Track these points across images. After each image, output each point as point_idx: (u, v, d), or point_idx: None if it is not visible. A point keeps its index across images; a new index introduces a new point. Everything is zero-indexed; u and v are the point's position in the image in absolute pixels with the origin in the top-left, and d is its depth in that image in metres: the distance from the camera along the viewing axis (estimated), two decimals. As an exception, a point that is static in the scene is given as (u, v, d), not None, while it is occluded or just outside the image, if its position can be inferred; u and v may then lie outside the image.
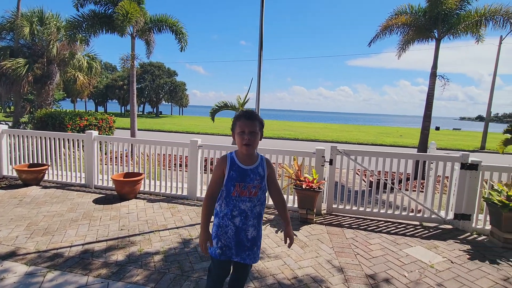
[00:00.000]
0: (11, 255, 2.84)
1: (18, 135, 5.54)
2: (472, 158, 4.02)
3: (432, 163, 4.32)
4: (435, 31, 8.70)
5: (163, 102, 57.62)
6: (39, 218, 3.75)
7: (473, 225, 3.99)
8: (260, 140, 1.85)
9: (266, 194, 1.92)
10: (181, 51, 10.54)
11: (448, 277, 2.82)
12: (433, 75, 8.76)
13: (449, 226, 4.11)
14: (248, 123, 1.75)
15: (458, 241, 3.65)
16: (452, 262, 3.11)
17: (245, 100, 10.96)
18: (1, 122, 10.93)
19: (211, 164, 8.74)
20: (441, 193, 4.22)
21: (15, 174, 5.38)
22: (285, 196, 4.65)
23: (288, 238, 1.87)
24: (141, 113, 59.86)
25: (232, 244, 1.80)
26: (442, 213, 4.24)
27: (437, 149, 5.24)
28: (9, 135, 5.59)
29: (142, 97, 51.20)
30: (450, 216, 4.16)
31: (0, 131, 5.47)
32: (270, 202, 4.62)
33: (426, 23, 8.60)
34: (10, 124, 11.84)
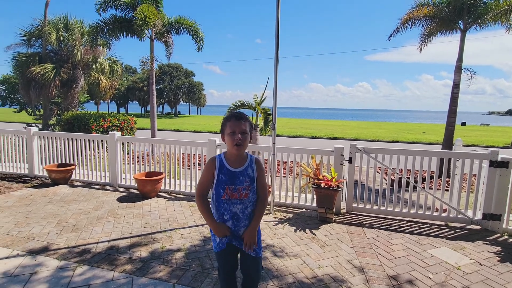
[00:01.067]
0: (43, 250, 3.01)
1: (47, 137, 5.85)
2: (502, 155, 3.81)
3: (458, 160, 4.14)
4: (460, 22, 8.29)
5: (181, 102, 58.81)
6: (68, 216, 3.96)
7: (504, 225, 3.79)
8: (250, 141, 1.86)
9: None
10: (198, 51, 10.70)
11: (476, 279, 2.70)
12: (459, 69, 8.35)
13: (477, 227, 3.93)
14: (239, 123, 1.74)
15: (487, 243, 3.48)
16: (480, 264, 2.97)
17: (262, 99, 10.96)
18: (32, 125, 11.59)
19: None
20: (468, 192, 4.04)
21: (45, 173, 5.69)
22: (303, 195, 4.63)
23: (245, 236, 1.80)
24: (160, 113, 61.40)
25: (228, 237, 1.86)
26: (469, 213, 4.05)
27: (463, 145, 5.00)
28: (40, 136, 5.93)
29: (161, 98, 52.53)
30: (478, 216, 3.97)
31: (32, 133, 5.81)
32: (288, 201, 4.61)
33: (450, 14, 8.20)
34: (40, 126, 12.51)
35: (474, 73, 8.43)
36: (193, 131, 23.51)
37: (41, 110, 14.31)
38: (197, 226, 3.75)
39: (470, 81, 8.45)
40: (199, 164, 8.60)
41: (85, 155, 5.69)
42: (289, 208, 4.50)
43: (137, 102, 54.00)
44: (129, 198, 4.80)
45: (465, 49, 8.33)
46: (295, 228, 3.75)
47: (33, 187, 5.25)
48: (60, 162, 5.74)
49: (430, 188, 4.09)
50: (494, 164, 3.79)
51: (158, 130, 13.70)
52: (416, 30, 8.76)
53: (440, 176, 7.02)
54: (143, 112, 57.56)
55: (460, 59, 8.32)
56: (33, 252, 2.95)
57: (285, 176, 6.79)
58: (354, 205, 4.37)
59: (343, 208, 4.42)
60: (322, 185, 3.95)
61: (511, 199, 3.76)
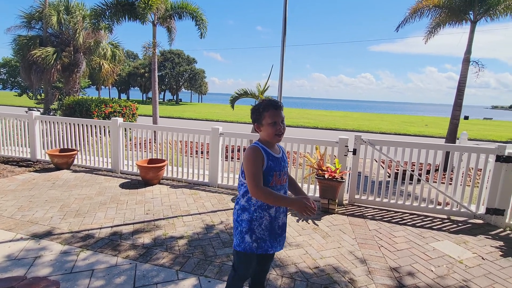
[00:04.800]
0: (47, 234, 3.02)
1: (49, 122, 5.81)
2: (509, 150, 3.77)
3: (463, 154, 4.10)
4: (470, 13, 8.07)
5: (183, 89, 58.38)
6: (70, 201, 3.96)
7: (507, 220, 3.78)
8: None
9: None
10: (201, 38, 10.50)
11: (478, 273, 2.71)
12: (467, 61, 8.17)
13: (480, 221, 3.92)
14: (279, 112, 1.72)
15: (490, 237, 3.48)
16: (483, 258, 2.98)
17: (265, 88, 10.84)
18: (33, 109, 11.52)
19: (232, 151, 8.81)
20: (472, 187, 4.02)
21: (47, 158, 5.68)
22: (305, 185, 4.61)
23: (306, 200, 1.67)
24: (162, 100, 61.06)
25: (266, 235, 1.75)
26: (472, 207, 4.04)
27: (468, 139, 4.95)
28: (42, 121, 5.89)
29: (163, 85, 52.10)
30: (481, 210, 3.96)
31: (33, 117, 5.77)
32: (290, 191, 4.60)
33: (460, 4, 7.97)
34: (41, 110, 12.45)
35: (482, 66, 8.27)
36: (194, 119, 23.41)
37: (42, 94, 14.19)
38: (200, 214, 3.75)
39: (477, 74, 8.30)
40: (202, 152, 8.58)
41: (87, 141, 5.67)
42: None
43: (138, 88, 53.63)
44: (131, 184, 4.80)
45: (473, 41, 8.15)
46: (297, 218, 3.75)
47: (36, 171, 5.25)
48: (62, 147, 5.72)
49: (434, 181, 4.07)
50: (500, 159, 3.75)
51: (160, 117, 13.63)
52: (424, 20, 8.54)
53: (445, 169, 6.99)
54: (144, 99, 57.26)
55: (468, 51, 8.14)
56: (37, 236, 2.96)
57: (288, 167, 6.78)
58: (357, 196, 4.37)
59: (346, 199, 4.42)
60: (326, 176, 3.93)
61: (516, 195, 3.74)
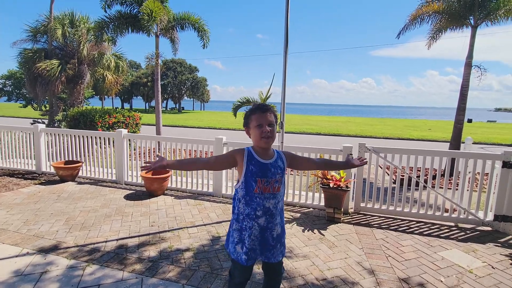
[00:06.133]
0: (53, 248, 3.02)
1: (55, 134, 5.87)
2: (516, 156, 3.73)
3: (468, 160, 4.06)
4: (470, 18, 8.11)
5: (185, 97, 58.82)
6: (76, 213, 3.97)
7: (516, 227, 3.73)
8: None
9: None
10: (203, 48, 10.61)
11: (489, 283, 2.66)
12: (468, 65, 8.18)
13: (488, 228, 3.87)
14: (265, 115, 1.69)
15: (499, 245, 3.42)
16: (493, 267, 2.93)
17: (268, 95, 10.90)
18: (38, 120, 11.65)
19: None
20: (480, 193, 3.98)
21: (52, 170, 5.72)
22: (310, 194, 4.59)
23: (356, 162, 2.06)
24: (164, 108, 61.49)
25: (256, 245, 1.74)
26: (480, 214, 3.99)
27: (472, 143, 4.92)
28: (47, 133, 5.95)
29: (165, 93, 52.54)
30: (490, 217, 3.91)
31: (39, 130, 5.83)
32: (295, 200, 4.58)
33: (460, 9, 8.02)
34: (46, 122, 12.58)
35: (485, 70, 8.27)
36: (198, 127, 23.52)
37: (47, 106, 14.36)
38: (205, 225, 3.74)
39: (480, 78, 8.30)
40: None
41: (92, 152, 5.71)
42: (297, 207, 4.47)
43: (141, 97, 54.13)
44: (136, 196, 4.81)
45: (475, 45, 8.17)
46: (303, 228, 3.73)
47: (41, 184, 5.28)
48: (67, 159, 5.76)
49: (441, 187, 4.04)
50: (507, 165, 3.72)
51: (163, 126, 13.70)
52: (424, 26, 8.59)
53: (451, 175, 6.95)
54: (147, 108, 57.69)
55: (470, 55, 8.15)
56: (43, 251, 2.96)
57: (292, 175, 6.75)
58: (363, 204, 4.33)
59: (351, 208, 4.38)
60: (331, 185, 3.91)
61: (524, 201, 3.69)
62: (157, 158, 1.71)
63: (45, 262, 2.77)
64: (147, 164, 1.69)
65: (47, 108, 13.92)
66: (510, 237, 3.65)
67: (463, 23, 8.29)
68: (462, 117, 8.42)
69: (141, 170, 1.75)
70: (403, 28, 8.69)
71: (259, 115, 1.70)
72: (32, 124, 5.81)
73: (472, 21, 8.11)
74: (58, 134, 5.83)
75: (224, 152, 4.83)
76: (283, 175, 1.79)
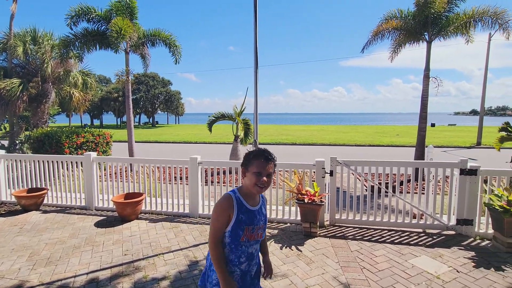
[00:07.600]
0: (15, 289, 2.80)
1: (16, 160, 5.50)
2: (471, 163, 4.06)
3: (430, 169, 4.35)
4: (425, 34, 8.83)
5: (159, 111, 57.67)
6: (40, 247, 3.71)
7: (476, 229, 4.02)
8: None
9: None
10: (175, 63, 10.56)
11: (455, 288, 2.83)
12: (426, 77, 8.85)
13: (452, 232, 4.13)
14: (267, 165, 1.65)
15: (462, 248, 3.66)
16: (457, 271, 3.12)
17: (242, 110, 11.00)
18: (-3, 143, 10.83)
19: (211, 175, 8.72)
20: (442, 199, 4.25)
21: (14, 199, 5.33)
22: (287, 208, 4.65)
23: (267, 269, 1.91)
24: (137, 123, 59.77)
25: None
26: (445, 218, 4.26)
27: (434, 147, 5.29)
28: (7, 159, 5.56)
29: (138, 108, 51.21)
30: (453, 221, 4.18)
31: (-2, 156, 5.44)
32: (273, 215, 4.62)
33: (416, 26, 8.72)
34: (6, 144, 11.74)
35: (441, 80, 8.98)
36: (172, 142, 23.03)
37: (7, 125, 13.41)
38: (181, 249, 3.65)
39: (437, 88, 8.99)
40: (181, 178, 8.42)
41: (58, 176, 5.40)
42: (274, 223, 4.50)
43: (112, 112, 52.25)
44: (107, 222, 4.60)
45: (431, 57, 8.87)
46: (281, 245, 3.76)
47: (1, 215, 4.89)
48: (30, 186, 5.41)
49: (408, 192, 4.29)
50: (464, 172, 4.03)
51: (136, 142, 13.28)
52: (386, 41, 9.22)
53: (416, 179, 7.37)
54: (119, 123, 55.71)
55: (427, 68, 8.82)
56: (3, 293, 2.74)
57: (267, 221, 6.82)
58: (337, 216, 4.46)
59: (327, 220, 4.49)
60: (306, 200, 4.00)
61: (481, 204, 4.00)
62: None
63: (6, 306, 2.56)
64: None
65: (7, 130, 13.01)
66: (471, 239, 3.92)
67: (419, 38, 9.00)
68: (424, 125, 9.03)
69: None
70: (366, 43, 9.26)
71: (261, 163, 1.65)
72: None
73: (427, 37, 8.82)
74: (20, 160, 5.48)
75: (199, 172, 4.79)
76: (266, 223, 1.79)
